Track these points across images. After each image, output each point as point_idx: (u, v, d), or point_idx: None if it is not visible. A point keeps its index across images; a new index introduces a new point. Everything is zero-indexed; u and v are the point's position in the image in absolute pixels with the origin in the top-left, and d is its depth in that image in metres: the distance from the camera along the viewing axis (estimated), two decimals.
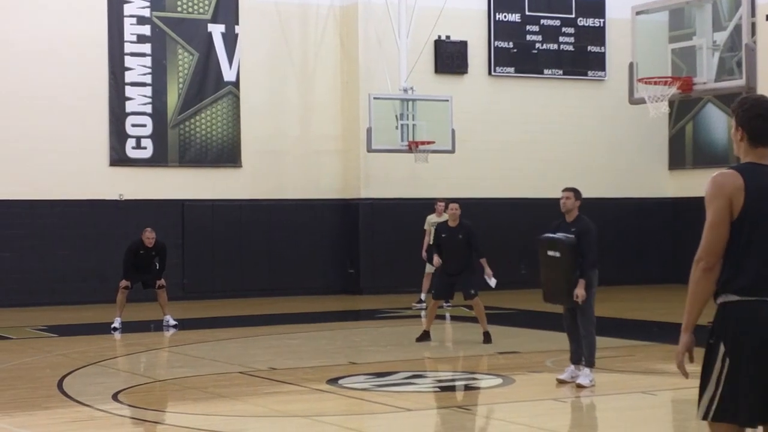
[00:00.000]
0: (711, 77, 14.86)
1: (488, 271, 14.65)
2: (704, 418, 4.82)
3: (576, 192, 11.25)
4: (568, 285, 10.58)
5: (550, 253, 10.72)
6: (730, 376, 4.71)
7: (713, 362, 4.78)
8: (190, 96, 22.78)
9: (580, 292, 10.58)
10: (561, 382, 10.93)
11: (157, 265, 17.12)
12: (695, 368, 4.92)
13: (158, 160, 22.56)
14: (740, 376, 4.70)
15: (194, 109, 22.81)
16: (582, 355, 10.88)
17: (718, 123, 25.34)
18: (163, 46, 22.58)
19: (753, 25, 15.46)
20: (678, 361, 4.88)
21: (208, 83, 22.92)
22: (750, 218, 4.74)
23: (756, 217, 4.74)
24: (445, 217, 18.87)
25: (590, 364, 10.79)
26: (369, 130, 21.68)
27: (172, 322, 17.12)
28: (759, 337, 4.69)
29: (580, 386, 10.63)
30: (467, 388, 11.51)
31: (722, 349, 4.74)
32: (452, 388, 11.49)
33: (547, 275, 10.83)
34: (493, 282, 14.69)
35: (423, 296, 19.70)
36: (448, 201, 15.40)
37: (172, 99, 22.65)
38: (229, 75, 23.08)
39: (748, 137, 4.85)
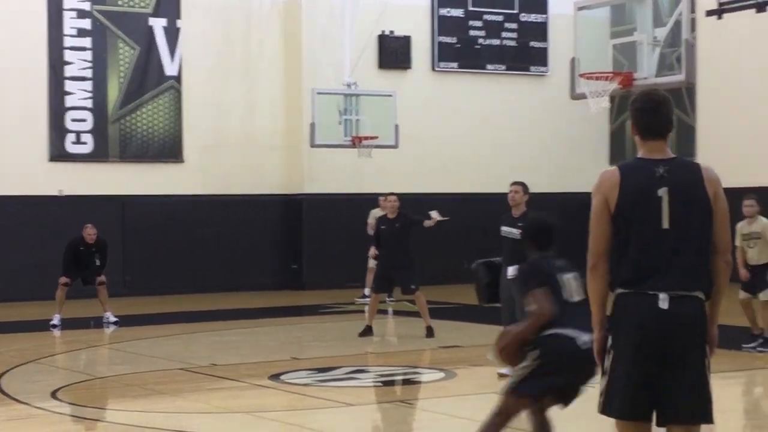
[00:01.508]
0: (651, 73, 14.97)
1: (435, 215, 14.68)
2: (599, 411, 4.91)
3: (524, 186, 11.32)
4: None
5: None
6: (614, 369, 4.81)
7: (604, 355, 4.89)
8: (131, 91, 22.56)
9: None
10: (502, 375, 10.94)
11: (98, 261, 16.95)
12: None
13: (99, 155, 22.33)
14: (620, 368, 4.79)
15: (135, 104, 22.59)
16: None
17: None
18: (103, 40, 22.34)
19: (693, 21, 15.64)
20: (597, 356, 4.98)
21: (150, 78, 22.72)
22: (624, 215, 4.82)
23: (630, 214, 4.81)
24: None
25: None
26: (312, 125, 21.60)
27: (113, 319, 16.96)
28: (633, 329, 4.77)
29: None
30: (409, 382, 11.51)
31: (609, 341, 4.86)
32: (394, 383, 11.49)
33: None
34: (435, 214, 14.72)
35: (367, 291, 19.68)
36: (390, 195, 15.39)
37: (113, 94, 22.42)
38: (170, 69, 22.89)
39: (638, 131, 4.94)
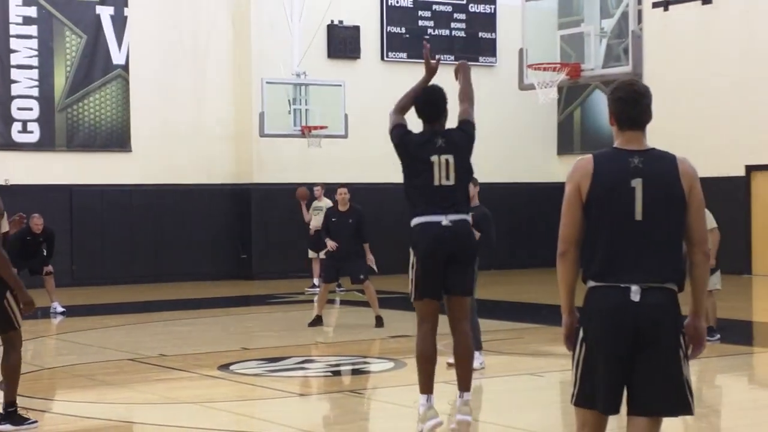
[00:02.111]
0: (598, 64, 15.09)
1: (370, 257, 14.64)
2: (571, 402, 4.93)
3: (474, 179, 11.37)
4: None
5: None
6: (587, 362, 4.81)
7: (575, 347, 4.89)
8: (78, 79, 22.37)
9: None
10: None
11: (45, 251, 16.82)
12: None
13: (45, 144, 22.14)
14: (592, 361, 4.79)
15: (82, 93, 22.41)
16: None
17: (605, 109, 25.65)
18: (50, 29, 22.13)
19: (639, 13, 15.77)
20: (565, 342, 5.01)
21: (97, 66, 22.54)
22: (597, 205, 4.80)
23: (602, 204, 4.80)
24: (326, 201, 18.94)
25: (478, 347, 10.88)
26: (261, 115, 21.56)
27: (60, 309, 16.84)
28: (605, 323, 4.77)
29: None
30: (359, 372, 11.55)
31: (581, 334, 4.85)
32: (344, 373, 11.51)
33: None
34: (374, 267, 14.76)
35: (316, 281, 19.70)
36: (338, 186, 15.37)
37: (60, 82, 22.23)
38: (118, 58, 22.73)
39: (615, 120, 4.95)
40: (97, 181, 22.53)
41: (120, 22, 22.72)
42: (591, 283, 4.84)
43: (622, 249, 4.75)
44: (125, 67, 22.79)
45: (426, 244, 7.43)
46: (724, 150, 23.04)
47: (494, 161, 25.18)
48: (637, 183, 4.76)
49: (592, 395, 4.80)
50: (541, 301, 18.24)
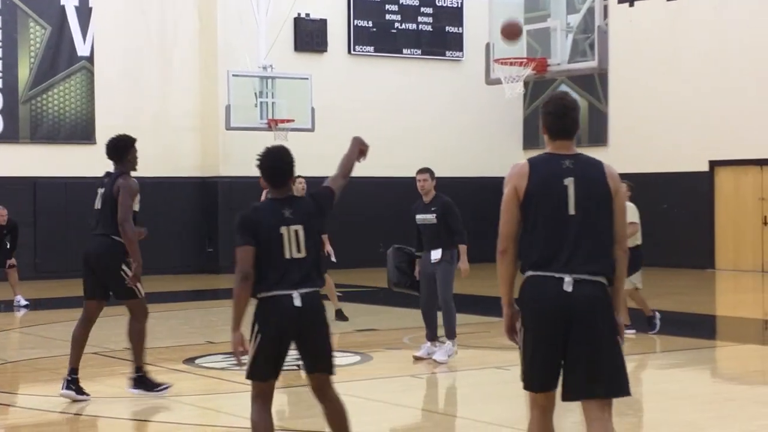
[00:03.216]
0: (564, 59, 15.15)
1: (328, 248, 14.62)
2: (523, 388, 5.27)
3: (431, 172, 11.43)
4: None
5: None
6: (525, 346, 5.21)
7: (520, 340, 5.28)
8: (42, 71, 22.21)
9: (464, 267, 10.86)
10: (417, 358, 11.05)
11: (8, 243, 16.70)
12: None
13: (9, 136, 21.96)
14: (530, 346, 5.19)
15: (46, 84, 22.25)
16: (436, 333, 11.02)
17: None
18: (14, 20, 21.95)
19: (605, 8, 15.84)
20: (507, 334, 5.41)
21: (61, 58, 22.38)
22: (533, 202, 5.22)
23: (538, 201, 5.21)
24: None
25: (452, 335, 10.90)
26: (228, 108, 21.49)
27: (23, 302, 16.73)
28: (539, 310, 5.17)
29: (436, 362, 10.77)
30: None
31: (523, 327, 5.25)
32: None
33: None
34: (332, 257, 14.79)
35: None
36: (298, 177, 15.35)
37: (24, 74, 22.06)
38: (82, 50, 22.57)
39: (546, 131, 5.37)
40: (61, 173, 22.38)
41: (85, 14, 22.57)
42: (529, 273, 5.23)
43: (559, 241, 5.16)
44: (90, 59, 22.65)
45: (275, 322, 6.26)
46: (689, 145, 23.21)
47: (460, 155, 25.27)
48: (569, 182, 5.20)
49: (529, 377, 5.22)
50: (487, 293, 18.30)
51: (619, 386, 5.16)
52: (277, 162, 6.28)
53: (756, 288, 20.41)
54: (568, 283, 5.09)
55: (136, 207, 9.52)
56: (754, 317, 15.83)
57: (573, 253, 5.13)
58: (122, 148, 9.84)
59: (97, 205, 9.58)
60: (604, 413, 5.14)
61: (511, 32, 13.46)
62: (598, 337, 5.10)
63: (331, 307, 14.66)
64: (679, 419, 8.42)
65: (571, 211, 5.18)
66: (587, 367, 5.09)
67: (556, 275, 5.11)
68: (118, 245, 9.22)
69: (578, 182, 5.20)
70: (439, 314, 11.07)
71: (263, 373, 6.18)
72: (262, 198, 19.91)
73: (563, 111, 5.31)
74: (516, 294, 5.40)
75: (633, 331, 12.83)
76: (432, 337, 11.06)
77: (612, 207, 5.26)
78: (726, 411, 8.88)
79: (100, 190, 9.62)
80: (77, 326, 9.50)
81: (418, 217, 11.18)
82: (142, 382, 9.18)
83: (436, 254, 10.86)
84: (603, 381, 5.10)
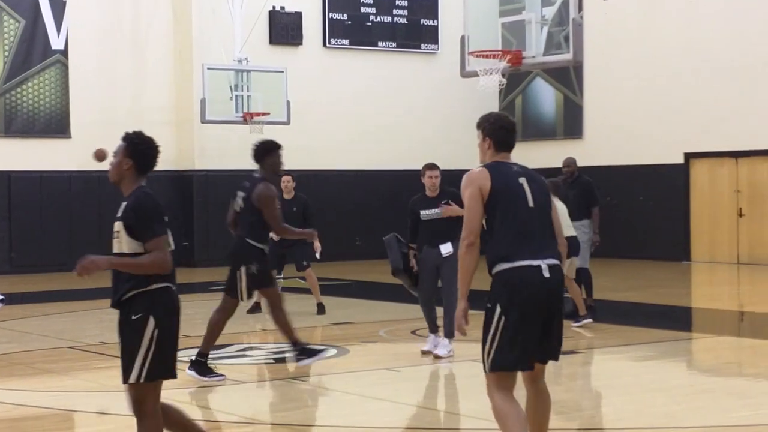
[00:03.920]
0: (539, 51, 15.15)
1: (317, 245, 14.59)
2: (488, 369, 5.75)
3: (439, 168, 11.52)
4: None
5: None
6: (506, 332, 5.67)
7: (490, 322, 5.74)
8: (16, 65, 22.08)
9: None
10: (425, 353, 10.93)
11: None
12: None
13: None
14: (512, 330, 5.67)
15: (20, 78, 22.13)
16: (437, 324, 10.90)
17: (546, 96, 25.95)
18: None
19: (580, 1, 15.82)
20: (458, 324, 5.95)
21: (35, 51, 22.25)
22: (498, 201, 5.77)
23: (503, 200, 5.78)
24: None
25: (452, 335, 10.83)
26: (203, 101, 21.44)
27: None
28: (525, 297, 5.69)
29: (437, 357, 10.69)
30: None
31: (498, 310, 5.72)
32: (286, 360, 11.50)
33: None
34: (317, 254, 14.76)
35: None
36: (285, 173, 15.33)
37: None
38: (57, 43, 22.45)
39: (494, 145, 5.99)
40: (35, 167, 22.27)
41: (59, 7, 22.44)
42: (503, 266, 5.74)
43: (527, 232, 5.76)
44: (64, 53, 22.53)
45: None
46: (664, 138, 23.29)
47: (436, 148, 25.22)
48: (523, 180, 5.87)
49: (510, 359, 5.69)
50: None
51: (559, 352, 5.98)
52: (513, 128, 6.20)
53: (731, 280, 20.53)
54: (545, 269, 5.71)
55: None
56: (730, 309, 15.92)
57: (539, 242, 5.77)
58: (262, 153, 10.31)
59: (237, 208, 10.03)
60: (543, 372, 5.99)
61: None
62: (560, 316, 5.85)
63: (313, 301, 14.67)
64: (655, 411, 8.46)
65: (531, 203, 5.83)
66: (555, 337, 5.85)
67: (534, 264, 5.69)
68: (246, 247, 9.71)
69: (529, 180, 5.89)
70: (438, 309, 10.89)
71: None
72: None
73: (511, 127, 6.07)
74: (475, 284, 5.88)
75: (590, 320, 12.92)
76: (435, 329, 10.94)
77: (551, 203, 6.02)
78: (702, 402, 8.92)
79: (241, 194, 10.05)
80: (214, 313, 10.02)
81: (425, 212, 10.89)
82: (199, 366, 9.56)
83: (446, 248, 10.65)
84: (557, 347, 5.92)
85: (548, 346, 5.85)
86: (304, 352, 9.80)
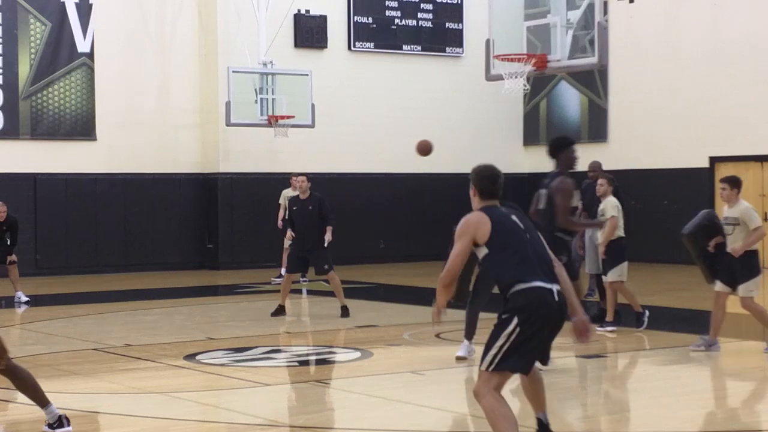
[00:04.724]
0: (564, 55, 15.14)
1: (328, 236, 14.67)
2: (487, 368, 6.37)
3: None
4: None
5: None
6: (517, 340, 6.35)
7: (503, 330, 6.36)
8: (42, 67, 22.20)
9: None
10: (460, 358, 10.87)
11: (8, 240, 16.71)
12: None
13: (9, 132, 21.96)
14: (524, 339, 6.36)
15: (47, 81, 22.25)
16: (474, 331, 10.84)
17: (571, 100, 25.88)
18: (14, 16, 21.94)
19: (605, 4, 15.81)
20: (435, 313, 6.77)
21: (61, 54, 22.37)
22: (500, 233, 6.51)
23: (503, 232, 6.52)
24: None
25: (469, 335, 10.79)
26: (228, 104, 21.50)
27: (24, 299, 16.74)
28: (542, 315, 6.37)
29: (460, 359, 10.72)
30: (325, 362, 11.55)
31: (515, 321, 6.34)
32: (310, 362, 11.52)
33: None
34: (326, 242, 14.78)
35: (283, 271, 19.64)
36: (299, 174, 15.36)
37: (24, 70, 22.05)
38: (83, 46, 22.57)
39: (479, 193, 6.75)
40: (61, 169, 22.39)
41: (85, 10, 22.56)
42: (520, 286, 6.40)
43: (526, 258, 6.47)
44: (90, 55, 22.64)
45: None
46: (689, 141, 23.19)
47: (460, 152, 25.23)
48: (515, 217, 6.64)
49: (515, 363, 6.38)
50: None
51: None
52: (498, 178, 6.93)
53: None
54: (556, 294, 6.42)
55: (576, 202, 10.39)
56: None
57: (542, 268, 6.49)
58: (556, 149, 10.38)
59: (541, 205, 10.22)
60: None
61: (423, 148, 13.82)
62: (560, 329, 6.51)
63: (337, 304, 14.69)
64: (680, 415, 8.42)
65: (527, 237, 6.57)
66: (550, 347, 6.58)
67: (547, 286, 6.40)
68: (557, 241, 9.77)
69: (519, 218, 6.65)
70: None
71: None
72: (281, 201, 19.85)
73: (495, 177, 6.78)
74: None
75: (613, 327, 12.87)
76: (472, 335, 10.85)
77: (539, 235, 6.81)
78: (727, 407, 8.87)
79: (543, 191, 10.22)
80: None
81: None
82: None
83: None
84: (549, 355, 6.64)
85: (543, 355, 6.60)
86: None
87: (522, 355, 6.39)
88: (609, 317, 12.98)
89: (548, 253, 6.66)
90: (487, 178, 6.81)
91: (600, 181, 13.49)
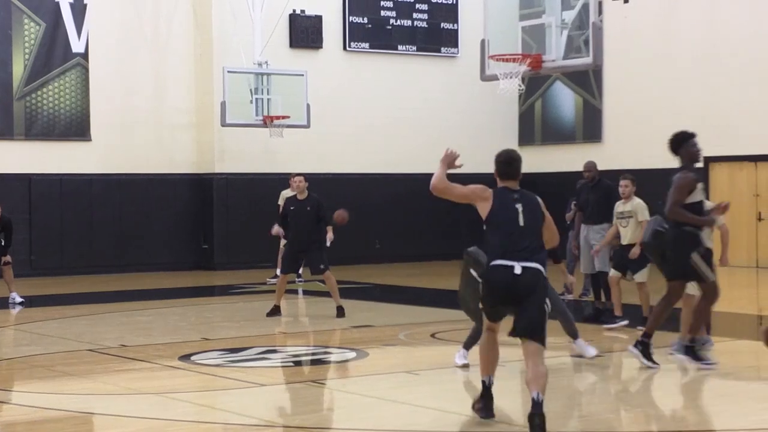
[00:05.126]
0: (559, 55, 15.13)
1: (330, 235, 14.90)
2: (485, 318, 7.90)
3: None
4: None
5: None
6: (485, 304, 7.81)
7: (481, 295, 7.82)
8: (36, 67, 22.19)
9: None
10: (464, 366, 10.70)
11: (3, 241, 16.69)
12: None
13: (4, 133, 21.95)
14: (491, 304, 7.77)
15: (41, 81, 22.24)
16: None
17: (566, 100, 25.90)
18: (8, 16, 21.93)
19: (600, 4, 15.81)
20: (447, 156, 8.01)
21: (56, 54, 22.36)
22: (496, 218, 7.68)
23: (498, 217, 7.67)
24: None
25: (574, 334, 10.80)
26: (223, 104, 21.49)
27: (19, 300, 16.72)
28: (496, 285, 7.62)
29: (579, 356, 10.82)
30: (321, 362, 11.55)
31: (482, 289, 7.73)
32: (306, 363, 11.51)
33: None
34: (328, 242, 15.03)
35: (279, 272, 19.63)
36: (298, 175, 15.37)
37: (18, 70, 22.04)
38: (77, 46, 22.55)
39: (497, 174, 7.93)
40: (56, 170, 22.37)
41: (79, 10, 22.55)
42: (494, 262, 7.61)
43: (512, 242, 7.59)
44: (84, 56, 22.63)
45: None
46: None
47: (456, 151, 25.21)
48: (519, 206, 7.73)
49: (490, 317, 7.91)
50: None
51: (540, 335, 7.55)
52: (514, 161, 8.03)
53: (750, 284, 20.43)
54: (517, 268, 7.50)
55: (700, 197, 10.65)
56: (749, 313, 15.85)
57: (522, 250, 7.54)
58: (676, 144, 10.89)
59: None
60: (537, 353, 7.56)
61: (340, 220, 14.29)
62: (533, 303, 7.49)
63: (333, 304, 14.69)
64: (673, 414, 8.42)
65: (521, 223, 7.66)
66: (523, 319, 7.52)
67: (508, 264, 7.52)
68: (687, 234, 10.16)
69: (524, 206, 7.70)
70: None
71: None
72: (280, 201, 19.83)
73: (510, 161, 7.98)
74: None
75: (626, 322, 12.97)
76: (471, 345, 10.79)
77: (543, 222, 7.80)
78: (721, 406, 8.89)
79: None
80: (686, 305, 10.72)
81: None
82: (689, 350, 10.15)
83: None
84: (530, 328, 7.50)
85: (524, 325, 7.54)
86: (690, 351, 10.18)
87: (492, 313, 7.85)
88: (618, 311, 13.13)
89: (540, 241, 7.70)
90: (502, 161, 7.96)
91: (624, 182, 13.49)
